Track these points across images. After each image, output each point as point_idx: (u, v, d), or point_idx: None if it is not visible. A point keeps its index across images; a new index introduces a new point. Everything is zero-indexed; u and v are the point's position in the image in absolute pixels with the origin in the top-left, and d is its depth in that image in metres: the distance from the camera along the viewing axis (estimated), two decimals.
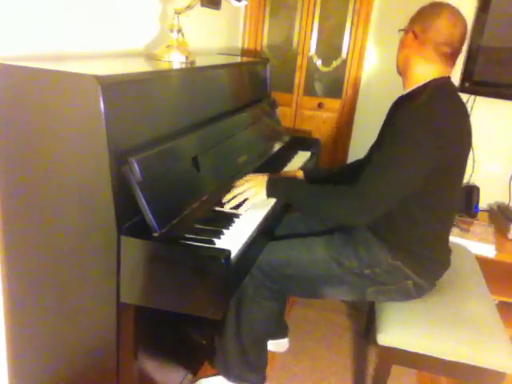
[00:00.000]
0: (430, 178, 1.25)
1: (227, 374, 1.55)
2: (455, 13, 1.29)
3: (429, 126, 1.21)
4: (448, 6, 1.30)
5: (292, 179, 1.61)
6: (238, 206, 1.31)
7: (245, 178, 1.40)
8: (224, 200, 1.33)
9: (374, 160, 1.28)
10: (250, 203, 1.33)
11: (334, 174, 1.76)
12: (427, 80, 1.32)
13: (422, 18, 1.32)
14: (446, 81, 1.33)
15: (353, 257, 1.36)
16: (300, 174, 1.70)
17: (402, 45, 1.37)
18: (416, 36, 1.31)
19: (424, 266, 1.37)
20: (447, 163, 1.26)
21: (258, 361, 1.55)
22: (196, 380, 1.61)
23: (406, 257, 1.35)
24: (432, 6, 1.32)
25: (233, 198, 1.33)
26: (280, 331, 1.82)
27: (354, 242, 1.40)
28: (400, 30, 1.40)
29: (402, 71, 1.39)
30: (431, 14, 1.30)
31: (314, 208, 1.35)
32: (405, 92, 1.39)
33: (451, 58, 1.31)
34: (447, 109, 1.27)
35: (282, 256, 1.41)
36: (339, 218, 1.37)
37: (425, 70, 1.32)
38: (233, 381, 1.55)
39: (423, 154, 1.22)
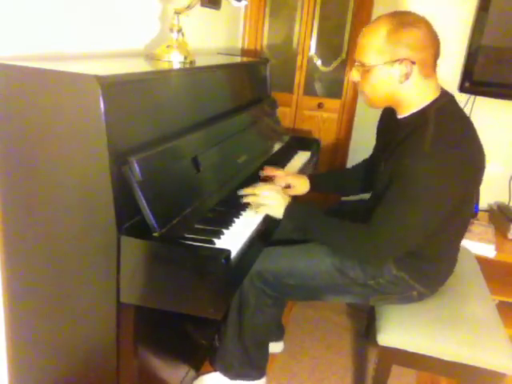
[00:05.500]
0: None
1: (228, 373, 1.55)
2: (422, 17, 1.16)
3: (444, 169, 1.10)
4: (411, 13, 1.15)
5: (310, 207, 1.40)
6: (242, 207, 1.31)
7: (270, 186, 1.36)
8: (242, 192, 1.33)
9: (385, 201, 1.18)
10: (256, 211, 1.31)
11: (339, 177, 1.76)
12: (429, 101, 1.20)
13: (405, 39, 1.13)
14: (448, 98, 1.22)
15: (357, 267, 1.34)
16: (305, 182, 1.62)
17: (388, 79, 1.18)
18: (413, 62, 1.14)
19: (429, 277, 1.35)
20: (469, 188, 1.20)
21: (260, 360, 1.56)
22: (198, 376, 1.61)
23: (410, 268, 1.32)
24: (402, 22, 1.13)
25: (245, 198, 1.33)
26: (276, 333, 1.82)
27: None
28: (385, 63, 1.15)
29: (395, 103, 1.25)
30: (412, 31, 1.12)
31: (328, 242, 1.33)
32: (401, 116, 1.26)
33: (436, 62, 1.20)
34: (459, 133, 1.16)
35: (284, 265, 1.39)
36: (351, 257, 1.33)
37: (424, 90, 1.20)
38: (233, 378, 1.55)
39: (445, 194, 1.12)
